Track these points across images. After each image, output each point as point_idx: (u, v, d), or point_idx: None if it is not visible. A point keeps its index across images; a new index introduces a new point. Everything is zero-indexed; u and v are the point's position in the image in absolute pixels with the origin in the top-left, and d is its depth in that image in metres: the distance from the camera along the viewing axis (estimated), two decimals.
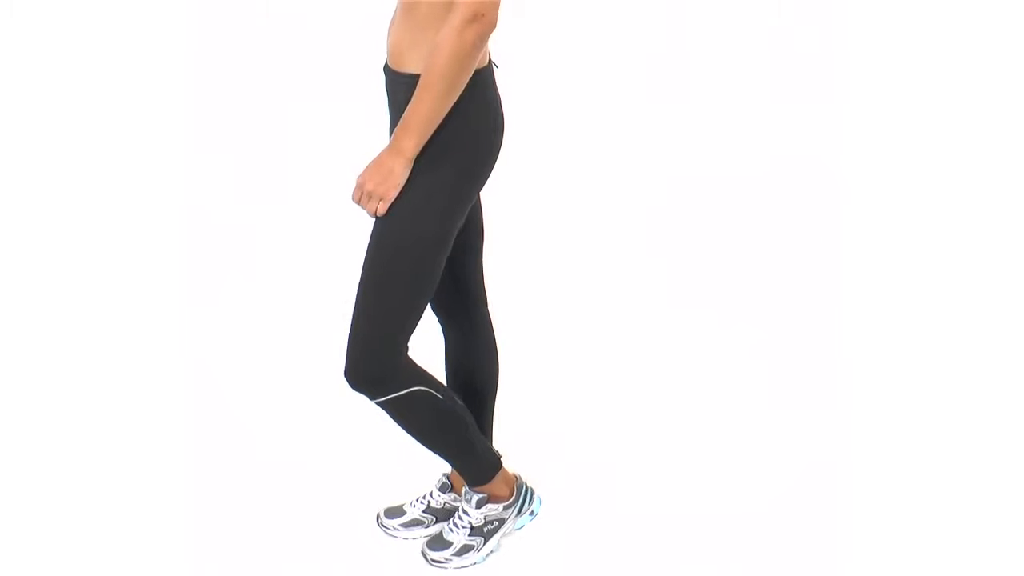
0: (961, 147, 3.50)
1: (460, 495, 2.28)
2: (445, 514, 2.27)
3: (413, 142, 1.81)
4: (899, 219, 3.37)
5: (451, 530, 2.21)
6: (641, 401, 2.79)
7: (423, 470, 2.39)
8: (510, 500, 2.21)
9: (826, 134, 3.79)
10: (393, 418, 2.04)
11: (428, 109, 1.79)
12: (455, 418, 2.07)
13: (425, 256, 1.89)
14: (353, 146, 3.64)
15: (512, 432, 2.40)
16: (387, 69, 1.95)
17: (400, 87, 1.89)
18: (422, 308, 1.95)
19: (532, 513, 2.25)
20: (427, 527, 2.26)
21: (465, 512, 2.20)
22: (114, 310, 3.08)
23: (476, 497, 2.19)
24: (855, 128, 3.65)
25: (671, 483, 2.46)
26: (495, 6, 1.75)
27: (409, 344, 1.98)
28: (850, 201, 3.49)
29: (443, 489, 2.30)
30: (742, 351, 3.02)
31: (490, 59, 1.96)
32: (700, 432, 2.65)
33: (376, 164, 1.85)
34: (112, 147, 3.55)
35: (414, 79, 1.83)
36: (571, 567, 2.19)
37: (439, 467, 2.33)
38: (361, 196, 1.86)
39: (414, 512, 2.29)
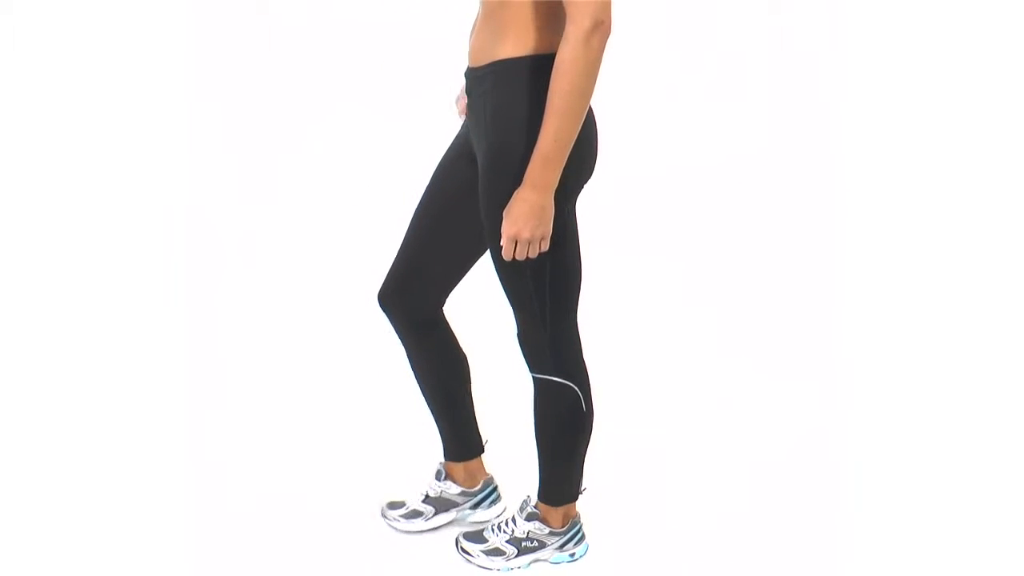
0: (961, 146, 3.38)
1: (456, 482, 2.30)
2: (443, 503, 2.30)
3: (554, 172, 1.77)
4: (899, 219, 3.31)
5: (493, 531, 2.20)
6: (643, 402, 2.83)
7: (426, 465, 2.43)
8: (559, 530, 2.18)
9: (827, 134, 3.71)
10: (536, 398, 2.08)
11: (566, 133, 1.74)
12: (582, 434, 2.09)
13: (568, 244, 1.93)
14: (356, 147, 3.77)
15: (515, 433, 2.38)
16: (468, 72, 1.94)
17: (481, 81, 1.87)
18: (576, 293, 2.00)
19: (572, 555, 2.20)
20: (428, 518, 2.29)
21: (513, 520, 2.19)
22: (116, 310, 3.14)
23: (529, 509, 2.18)
24: (856, 129, 3.54)
25: (675, 485, 2.48)
26: (610, 8, 1.72)
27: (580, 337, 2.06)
28: (851, 201, 3.42)
29: (437, 476, 2.32)
30: (745, 352, 3.12)
31: None
32: (703, 433, 2.69)
33: (522, 208, 1.79)
34: (114, 147, 3.57)
35: (498, 64, 1.83)
36: (577, 568, 2.19)
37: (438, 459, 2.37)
38: (517, 248, 1.83)
39: (414, 502, 2.31)
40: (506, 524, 2.19)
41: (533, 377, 2.04)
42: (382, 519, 2.32)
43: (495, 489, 2.36)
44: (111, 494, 2.40)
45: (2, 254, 3.29)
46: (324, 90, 3.86)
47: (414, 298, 2.16)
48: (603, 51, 1.72)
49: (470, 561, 2.18)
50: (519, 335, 2.02)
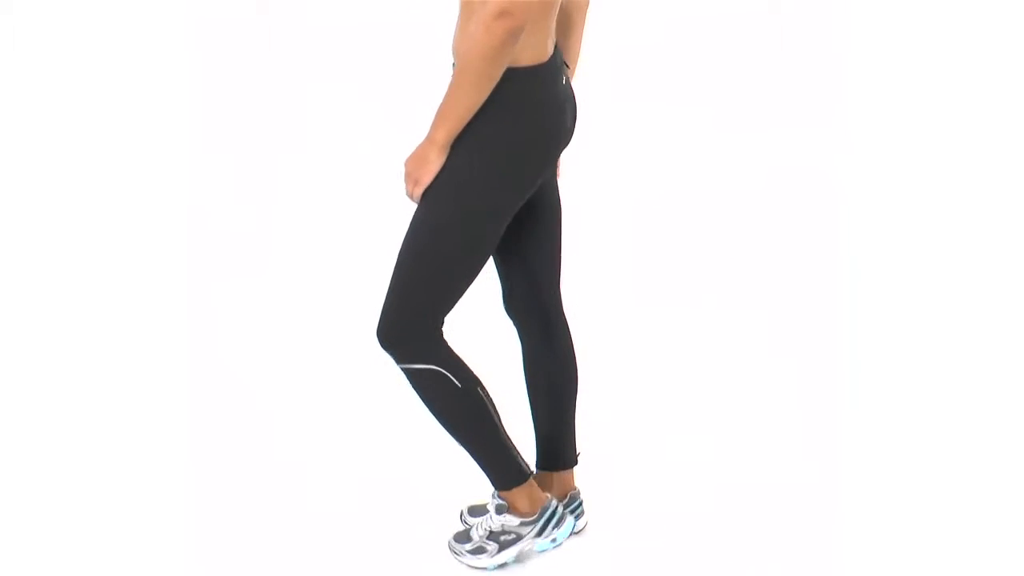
0: (965, 149, 3.17)
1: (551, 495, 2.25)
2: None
3: (443, 131, 1.89)
4: (901, 223, 3.15)
5: (475, 528, 2.20)
6: (649, 405, 2.82)
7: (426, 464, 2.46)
8: (529, 518, 2.14)
9: (827, 137, 3.61)
10: (417, 393, 2.08)
11: (458, 100, 1.86)
12: (474, 411, 2.07)
13: (456, 238, 1.95)
14: (360, 147, 3.70)
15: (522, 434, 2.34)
16: (454, 68, 1.99)
17: None
18: (456, 288, 2.00)
19: (554, 541, 2.17)
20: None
21: (489, 515, 2.18)
22: (119, 312, 3.09)
23: (496, 501, 2.16)
24: (857, 131, 3.35)
25: (671, 479, 2.47)
26: (524, 4, 1.77)
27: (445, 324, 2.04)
28: (853, 205, 3.27)
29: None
30: (741, 348, 3.09)
31: (551, 57, 1.94)
32: (707, 437, 2.66)
33: (416, 149, 1.95)
34: (115, 147, 3.48)
35: None
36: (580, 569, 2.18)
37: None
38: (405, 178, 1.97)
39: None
40: (484, 520, 2.18)
41: (404, 369, 2.03)
42: (461, 523, 2.29)
43: (576, 498, 2.32)
44: (112, 495, 2.42)
45: (2, 255, 3.29)
46: (325, 90, 3.87)
47: (514, 295, 2.20)
48: (506, 42, 1.78)
49: (459, 560, 2.18)
50: (384, 327, 2.00)
